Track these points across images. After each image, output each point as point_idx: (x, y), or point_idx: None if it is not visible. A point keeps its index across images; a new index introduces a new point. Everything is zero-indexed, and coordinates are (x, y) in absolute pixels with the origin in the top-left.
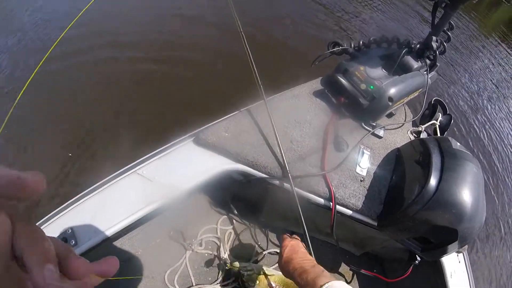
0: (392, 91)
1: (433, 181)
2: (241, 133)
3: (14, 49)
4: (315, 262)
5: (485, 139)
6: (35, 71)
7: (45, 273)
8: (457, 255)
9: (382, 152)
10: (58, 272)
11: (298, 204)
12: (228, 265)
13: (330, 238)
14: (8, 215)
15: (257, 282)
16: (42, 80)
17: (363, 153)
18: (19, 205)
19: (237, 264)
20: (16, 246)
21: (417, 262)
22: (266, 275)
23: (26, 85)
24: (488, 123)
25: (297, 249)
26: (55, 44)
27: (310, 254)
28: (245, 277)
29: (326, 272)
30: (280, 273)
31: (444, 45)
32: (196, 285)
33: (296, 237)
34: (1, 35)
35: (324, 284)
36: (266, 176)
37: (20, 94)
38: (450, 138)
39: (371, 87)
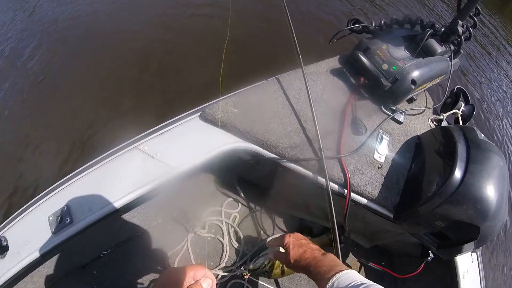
0: (416, 73)
1: (458, 173)
2: (251, 110)
3: None
4: (321, 249)
5: (508, 133)
6: None
7: None
8: (471, 254)
9: (402, 138)
10: None
11: (329, 192)
12: (245, 273)
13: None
14: None
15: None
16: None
17: (382, 138)
18: None
19: (252, 266)
20: None
21: (429, 259)
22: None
23: None
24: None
25: (300, 242)
26: None
27: (337, 250)
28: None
29: (338, 260)
30: None
31: (469, 31)
32: None
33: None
34: None
35: (335, 274)
36: (277, 157)
37: None
38: (475, 128)
39: (394, 67)
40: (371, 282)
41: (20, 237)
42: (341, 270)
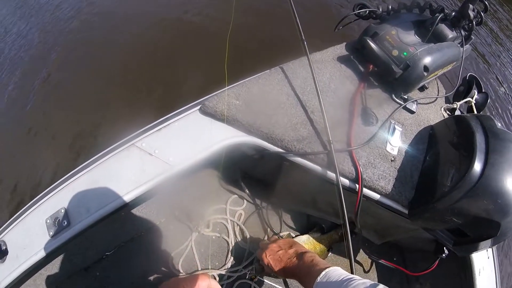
0: (428, 59)
1: (477, 165)
2: (254, 101)
3: None
4: (298, 250)
5: None
6: None
7: None
8: (487, 250)
9: (414, 129)
10: None
11: (340, 187)
12: (253, 276)
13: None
14: None
15: None
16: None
17: (394, 129)
18: None
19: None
20: None
21: (444, 255)
22: None
23: None
24: None
25: (278, 255)
26: None
27: (348, 247)
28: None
29: (315, 258)
30: None
31: (481, 15)
32: (201, 270)
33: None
34: None
35: (319, 275)
36: (282, 151)
37: None
38: (492, 117)
39: (405, 53)
40: (351, 276)
41: (19, 241)
42: (321, 271)
